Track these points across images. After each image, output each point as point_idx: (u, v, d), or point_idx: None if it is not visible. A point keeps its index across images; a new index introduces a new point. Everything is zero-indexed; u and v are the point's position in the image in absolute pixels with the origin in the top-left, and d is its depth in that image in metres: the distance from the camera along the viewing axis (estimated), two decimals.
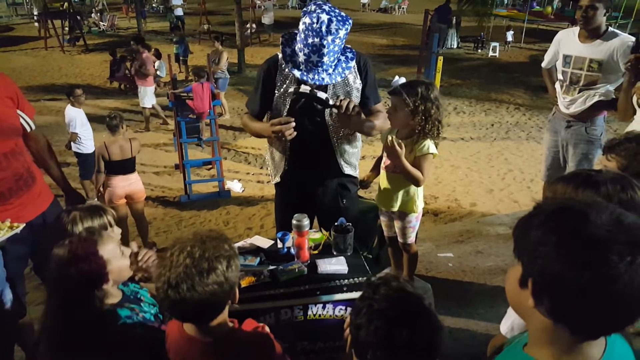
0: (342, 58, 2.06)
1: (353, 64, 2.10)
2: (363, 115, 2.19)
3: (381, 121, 2.31)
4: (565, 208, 0.84)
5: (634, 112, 2.80)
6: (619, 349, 0.89)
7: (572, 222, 0.79)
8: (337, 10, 1.93)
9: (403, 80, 2.32)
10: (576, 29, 3.22)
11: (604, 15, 3.00)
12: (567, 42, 3.26)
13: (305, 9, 1.97)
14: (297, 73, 2.00)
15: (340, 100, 2.05)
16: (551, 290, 0.79)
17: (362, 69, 2.22)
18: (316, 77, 1.98)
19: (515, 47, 16.17)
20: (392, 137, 2.18)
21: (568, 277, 0.76)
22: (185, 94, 6.23)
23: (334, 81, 2.04)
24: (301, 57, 1.97)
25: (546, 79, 3.65)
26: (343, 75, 2.06)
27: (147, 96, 7.90)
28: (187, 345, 1.30)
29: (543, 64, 3.59)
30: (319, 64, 1.95)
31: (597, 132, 3.22)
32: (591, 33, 3.08)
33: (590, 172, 1.33)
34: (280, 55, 2.16)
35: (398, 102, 2.25)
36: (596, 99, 3.12)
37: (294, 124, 2.04)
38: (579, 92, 3.20)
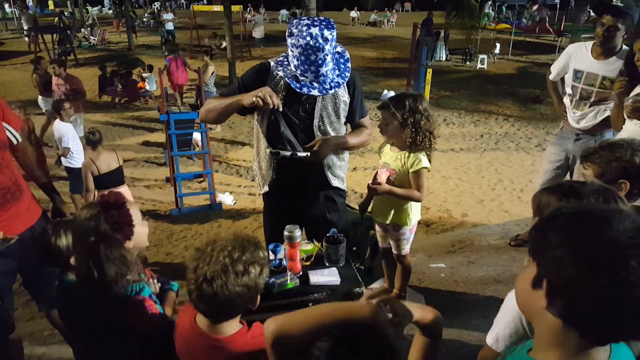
0: (337, 56, 2.06)
1: (349, 64, 2.09)
2: (342, 133, 2.25)
3: (362, 138, 2.31)
4: (588, 212, 0.83)
5: (624, 122, 2.86)
6: (624, 355, 0.88)
7: (594, 225, 0.78)
8: (316, 18, 1.94)
9: (392, 93, 2.34)
10: (588, 44, 3.21)
11: (623, 36, 3.01)
12: (579, 56, 3.24)
13: (288, 31, 1.97)
14: (315, 92, 1.97)
15: (310, 149, 2.10)
16: (566, 292, 0.78)
17: (349, 83, 2.19)
18: (326, 86, 1.97)
19: (503, 60, 16.41)
20: (369, 184, 2.25)
21: (584, 280, 0.74)
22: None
23: (344, 80, 2.02)
24: (309, 77, 1.95)
25: (551, 91, 3.64)
26: (347, 72, 2.05)
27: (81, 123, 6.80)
28: (197, 338, 1.37)
29: (550, 76, 3.56)
30: (322, 74, 1.94)
31: None
32: (607, 51, 3.08)
33: (575, 183, 1.34)
34: (272, 63, 2.13)
35: (387, 116, 2.27)
36: (607, 113, 3.13)
37: (281, 108, 2.04)
38: (589, 107, 3.22)
